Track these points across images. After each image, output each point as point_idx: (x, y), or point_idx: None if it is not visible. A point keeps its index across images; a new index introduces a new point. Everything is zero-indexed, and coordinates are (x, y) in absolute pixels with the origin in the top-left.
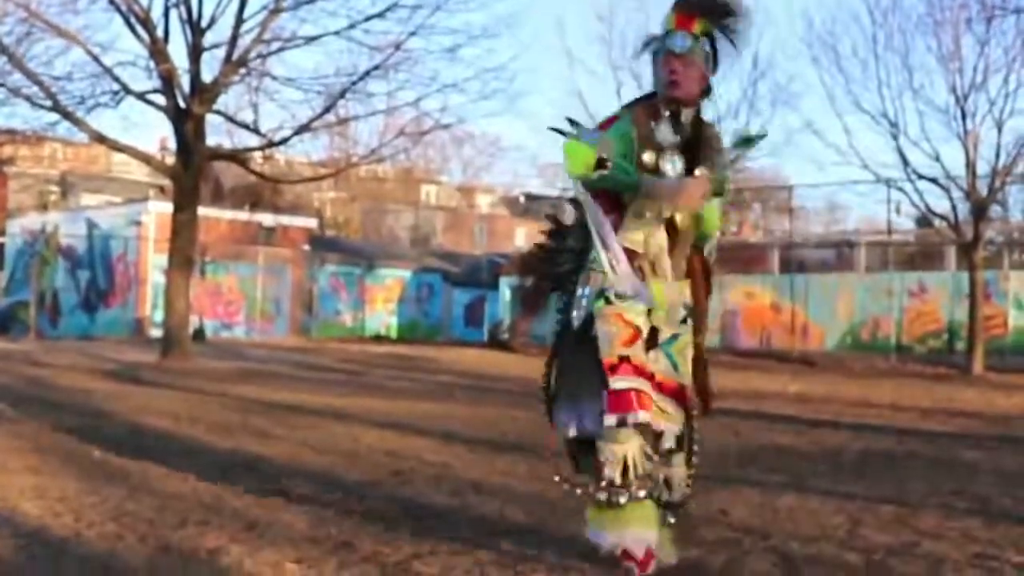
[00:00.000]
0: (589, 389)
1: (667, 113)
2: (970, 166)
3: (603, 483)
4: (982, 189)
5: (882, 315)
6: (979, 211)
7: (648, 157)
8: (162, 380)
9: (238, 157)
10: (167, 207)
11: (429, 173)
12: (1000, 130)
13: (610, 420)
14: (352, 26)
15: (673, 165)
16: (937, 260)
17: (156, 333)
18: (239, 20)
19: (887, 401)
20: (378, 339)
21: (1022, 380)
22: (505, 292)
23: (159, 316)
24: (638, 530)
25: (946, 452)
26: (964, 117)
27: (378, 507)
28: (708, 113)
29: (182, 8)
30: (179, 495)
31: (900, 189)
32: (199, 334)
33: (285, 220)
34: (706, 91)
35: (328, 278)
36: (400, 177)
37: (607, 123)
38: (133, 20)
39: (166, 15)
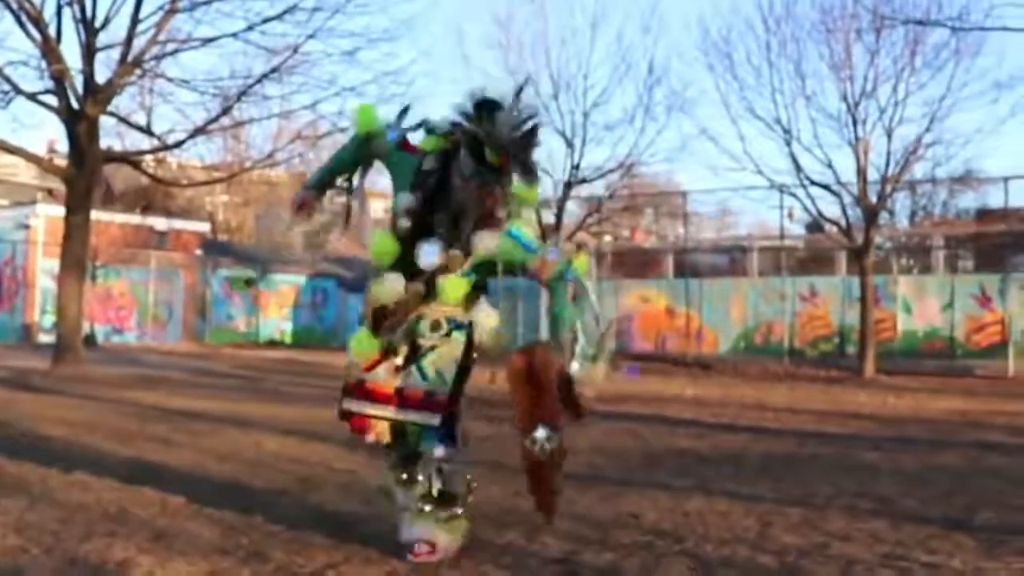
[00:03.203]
0: None
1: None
2: (861, 173)
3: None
4: (872, 195)
5: (775, 319)
6: (869, 217)
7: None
8: (55, 387)
9: (132, 160)
10: (56, 210)
11: None
12: (890, 137)
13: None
14: (250, 28)
15: (430, 250)
16: (828, 265)
17: (45, 339)
18: (134, 20)
19: (783, 404)
20: (272, 344)
21: (912, 382)
22: None
23: (48, 321)
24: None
25: (846, 454)
26: (855, 124)
27: (288, 516)
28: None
29: (75, 7)
30: (83, 505)
31: (793, 195)
32: (90, 339)
33: (178, 224)
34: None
35: (221, 283)
36: (294, 181)
37: (410, 148)
38: (24, 18)
39: (59, 14)
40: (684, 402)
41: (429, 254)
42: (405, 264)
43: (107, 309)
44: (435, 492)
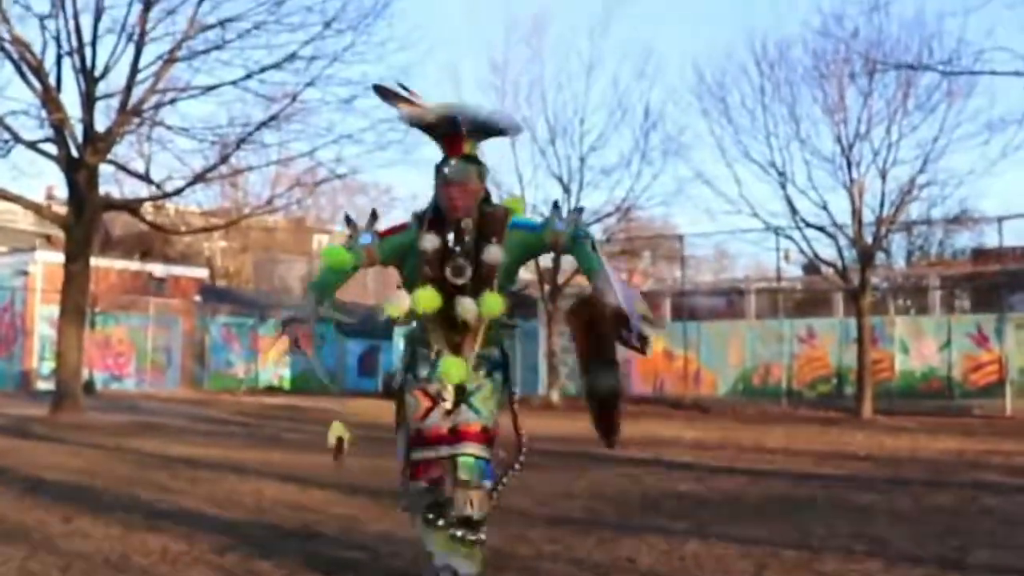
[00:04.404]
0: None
1: (451, 232)
2: (856, 214)
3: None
4: (868, 237)
5: (773, 361)
6: (865, 258)
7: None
8: (55, 434)
9: (132, 207)
10: (54, 257)
11: (321, 223)
12: (884, 179)
13: (418, 484)
14: (248, 76)
15: (459, 271)
16: (825, 306)
17: (43, 386)
18: (134, 69)
19: (781, 446)
20: (271, 390)
21: (910, 422)
22: (399, 342)
23: (46, 368)
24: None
25: (842, 495)
26: (849, 166)
27: (288, 562)
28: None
29: (75, 57)
30: (83, 554)
31: (788, 237)
32: (89, 386)
33: (176, 270)
34: (485, 198)
35: (220, 329)
36: (291, 227)
37: (398, 229)
38: (25, 68)
39: (59, 63)
40: (683, 445)
41: (459, 272)
42: (448, 312)
43: (106, 356)
44: (474, 516)
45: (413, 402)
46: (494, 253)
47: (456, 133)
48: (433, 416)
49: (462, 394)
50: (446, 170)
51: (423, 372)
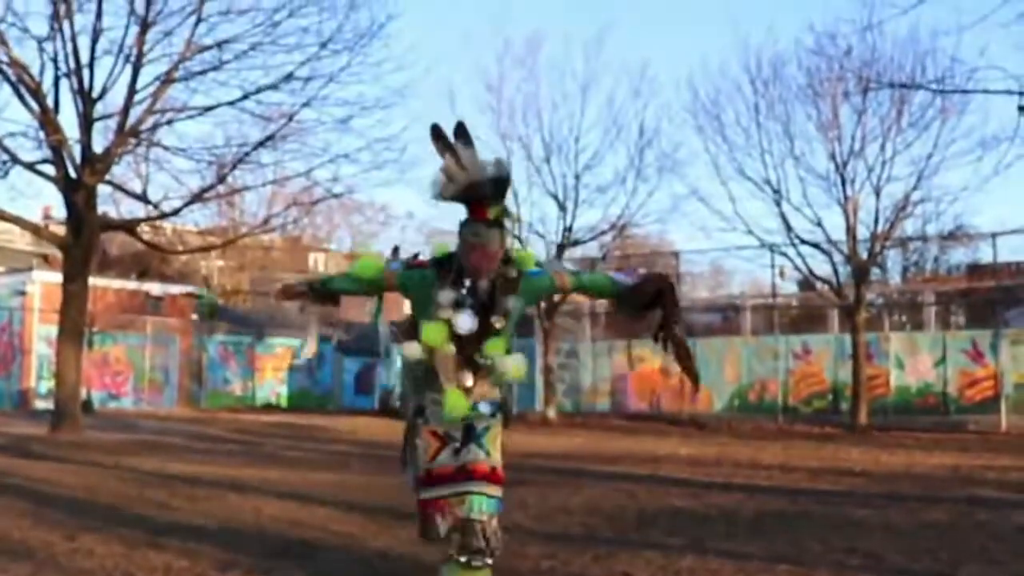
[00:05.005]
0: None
1: (466, 284)
2: (850, 231)
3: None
4: (862, 253)
5: (768, 377)
6: (860, 274)
7: (444, 313)
8: (55, 453)
9: (130, 227)
10: (52, 277)
11: (317, 241)
12: (878, 196)
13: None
14: (245, 97)
15: (467, 319)
16: (820, 323)
17: (41, 405)
18: (131, 91)
19: (776, 462)
20: (268, 408)
21: (906, 438)
22: (395, 360)
23: (44, 387)
24: None
25: (837, 511)
26: (844, 183)
27: None
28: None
29: (73, 78)
30: (87, 571)
31: (783, 254)
32: (87, 405)
33: (173, 289)
34: (505, 258)
35: (217, 347)
36: (288, 245)
37: (418, 263)
38: (23, 90)
39: (56, 85)
40: (679, 461)
41: (466, 321)
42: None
43: (103, 375)
44: (484, 546)
45: (424, 445)
46: (509, 305)
47: (478, 199)
48: (442, 456)
49: (470, 433)
50: (470, 235)
51: (432, 416)
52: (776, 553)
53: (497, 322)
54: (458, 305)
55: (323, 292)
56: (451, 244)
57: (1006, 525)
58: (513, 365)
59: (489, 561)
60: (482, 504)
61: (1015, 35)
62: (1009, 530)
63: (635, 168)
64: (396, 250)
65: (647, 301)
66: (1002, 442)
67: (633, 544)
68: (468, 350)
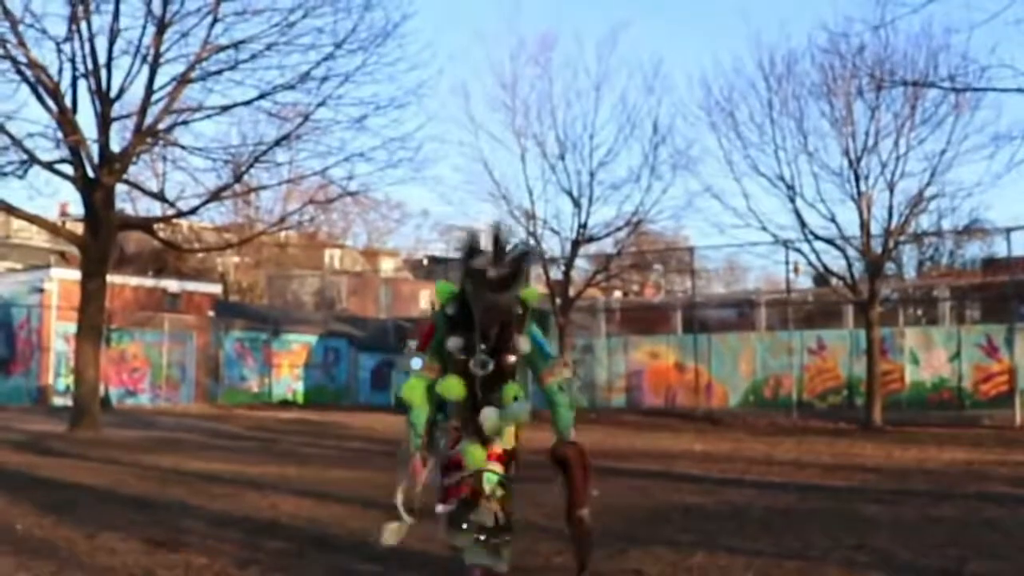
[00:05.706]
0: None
1: (477, 333)
2: (864, 226)
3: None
4: (876, 248)
5: (783, 372)
6: (874, 270)
7: (458, 355)
8: (74, 451)
9: (147, 226)
10: (70, 274)
11: (333, 238)
12: (892, 191)
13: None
14: (262, 96)
15: (482, 365)
16: (835, 318)
17: (59, 401)
18: (148, 91)
19: (790, 458)
20: (285, 405)
21: (920, 433)
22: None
23: (62, 384)
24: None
25: (847, 507)
26: (857, 179)
27: (306, 575)
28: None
29: (91, 79)
30: (109, 568)
31: (798, 250)
32: (105, 402)
33: (190, 286)
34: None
35: (234, 344)
36: (304, 242)
37: (429, 335)
38: (41, 90)
39: (74, 85)
40: (692, 458)
41: (480, 365)
42: (472, 394)
43: (121, 372)
44: (499, 523)
45: (444, 439)
46: (524, 345)
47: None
48: (461, 445)
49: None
50: (489, 299)
51: (441, 443)
52: (786, 549)
53: (510, 361)
54: (469, 350)
55: (423, 435)
56: (454, 281)
57: (1015, 521)
58: (522, 415)
59: (507, 538)
60: (491, 482)
61: None
62: (1018, 526)
63: (649, 165)
64: (404, 342)
65: (560, 466)
66: (1016, 437)
67: (645, 540)
68: (485, 395)
